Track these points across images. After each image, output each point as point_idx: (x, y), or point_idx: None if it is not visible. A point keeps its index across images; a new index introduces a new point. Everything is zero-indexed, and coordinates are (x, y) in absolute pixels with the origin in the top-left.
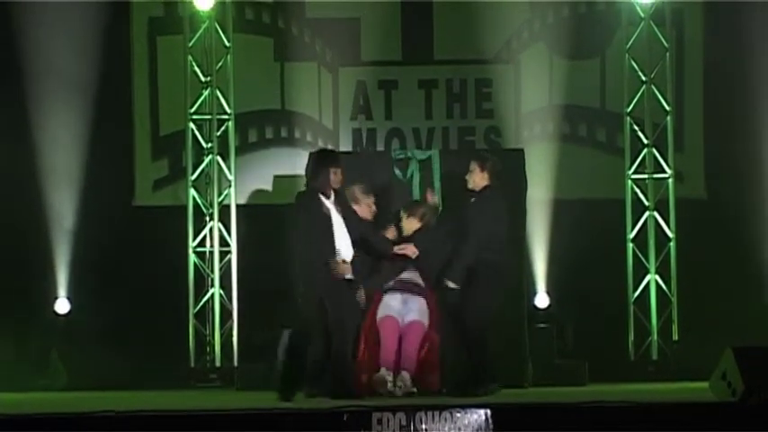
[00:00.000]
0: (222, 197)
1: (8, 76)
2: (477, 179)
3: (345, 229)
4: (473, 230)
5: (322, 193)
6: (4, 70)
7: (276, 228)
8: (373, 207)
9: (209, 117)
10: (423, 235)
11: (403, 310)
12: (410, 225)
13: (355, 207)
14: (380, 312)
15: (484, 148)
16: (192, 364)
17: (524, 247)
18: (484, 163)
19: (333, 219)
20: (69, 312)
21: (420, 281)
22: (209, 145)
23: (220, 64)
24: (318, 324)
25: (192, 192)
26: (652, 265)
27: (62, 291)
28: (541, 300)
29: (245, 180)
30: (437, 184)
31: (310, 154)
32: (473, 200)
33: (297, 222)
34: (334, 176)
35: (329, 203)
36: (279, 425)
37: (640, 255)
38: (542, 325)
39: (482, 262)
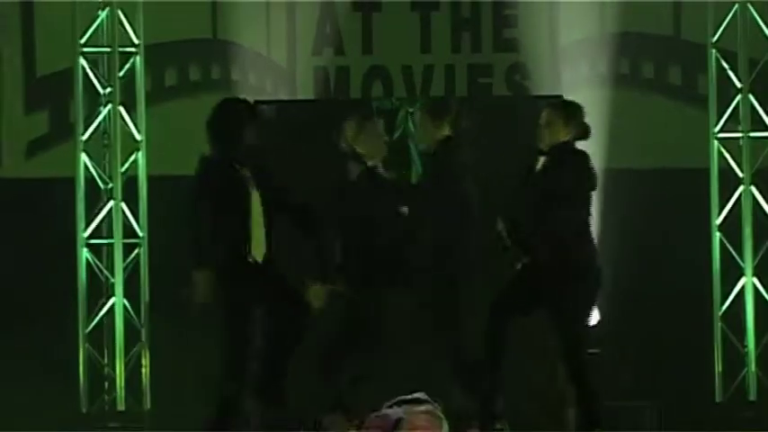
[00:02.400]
0: (127, 165)
1: None
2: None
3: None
4: None
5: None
6: None
7: None
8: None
9: (107, 50)
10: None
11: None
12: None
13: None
14: None
15: (507, 95)
16: (84, 408)
17: None
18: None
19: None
20: None
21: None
22: (109, 90)
23: None
24: None
25: (84, 158)
26: (748, 264)
27: None
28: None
29: (161, 141)
30: None
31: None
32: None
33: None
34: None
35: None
36: None
37: (731, 248)
38: (590, 351)
39: None
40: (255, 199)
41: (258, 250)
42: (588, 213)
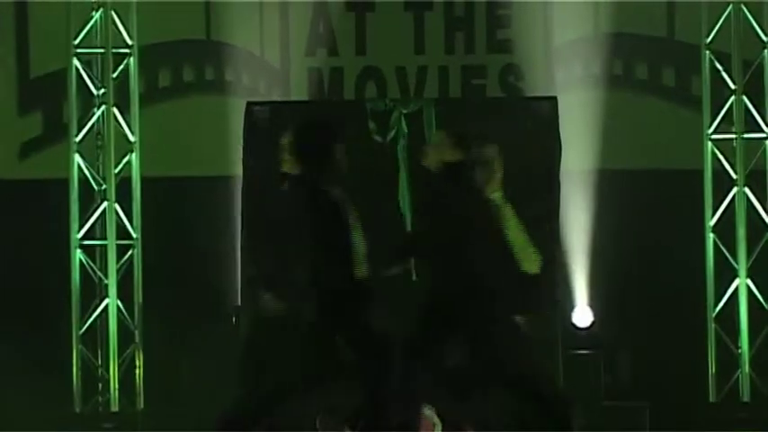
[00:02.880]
0: (121, 167)
1: None
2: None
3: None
4: None
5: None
6: None
7: (199, 211)
8: None
9: (101, 51)
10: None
11: None
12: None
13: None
14: None
15: (500, 97)
16: (78, 408)
17: (558, 240)
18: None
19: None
20: None
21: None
22: (102, 91)
23: None
24: None
25: (78, 159)
26: (742, 265)
27: None
28: (582, 316)
29: (155, 142)
30: None
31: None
32: None
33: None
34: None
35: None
36: None
37: (725, 250)
38: (584, 352)
39: None
40: (353, 218)
41: (360, 269)
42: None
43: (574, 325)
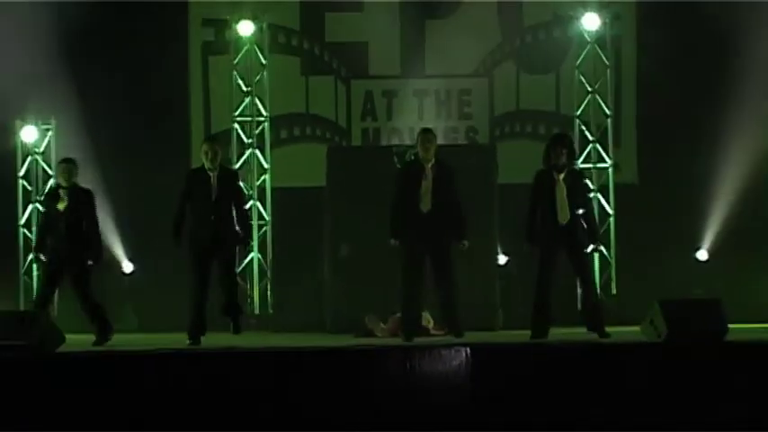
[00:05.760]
0: (260, 182)
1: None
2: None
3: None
4: None
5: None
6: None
7: (302, 205)
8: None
9: (249, 119)
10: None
11: None
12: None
13: None
14: None
15: (465, 144)
16: None
17: (495, 222)
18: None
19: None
20: (133, 272)
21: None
22: (250, 141)
23: (258, 77)
24: None
25: None
26: None
27: (127, 255)
28: (502, 259)
29: (278, 168)
30: None
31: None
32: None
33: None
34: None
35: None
36: (295, 361)
37: None
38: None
39: None
40: (561, 190)
41: (563, 215)
42: None
43: (498, 264)
